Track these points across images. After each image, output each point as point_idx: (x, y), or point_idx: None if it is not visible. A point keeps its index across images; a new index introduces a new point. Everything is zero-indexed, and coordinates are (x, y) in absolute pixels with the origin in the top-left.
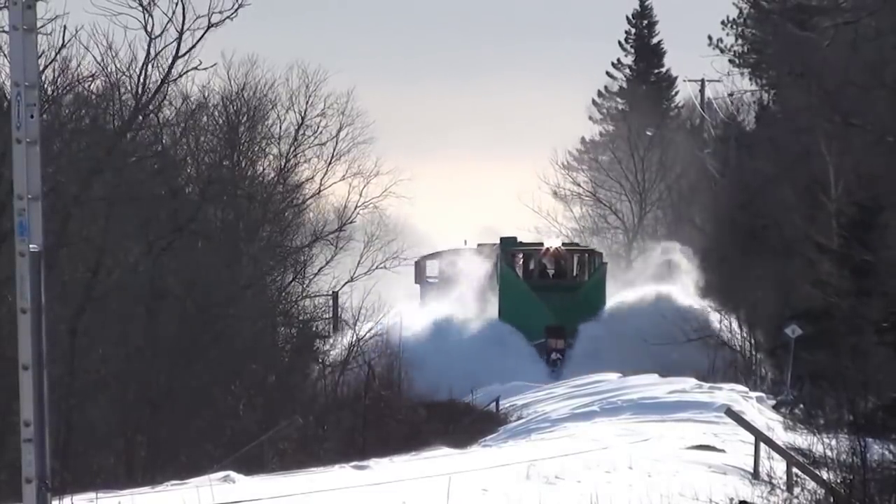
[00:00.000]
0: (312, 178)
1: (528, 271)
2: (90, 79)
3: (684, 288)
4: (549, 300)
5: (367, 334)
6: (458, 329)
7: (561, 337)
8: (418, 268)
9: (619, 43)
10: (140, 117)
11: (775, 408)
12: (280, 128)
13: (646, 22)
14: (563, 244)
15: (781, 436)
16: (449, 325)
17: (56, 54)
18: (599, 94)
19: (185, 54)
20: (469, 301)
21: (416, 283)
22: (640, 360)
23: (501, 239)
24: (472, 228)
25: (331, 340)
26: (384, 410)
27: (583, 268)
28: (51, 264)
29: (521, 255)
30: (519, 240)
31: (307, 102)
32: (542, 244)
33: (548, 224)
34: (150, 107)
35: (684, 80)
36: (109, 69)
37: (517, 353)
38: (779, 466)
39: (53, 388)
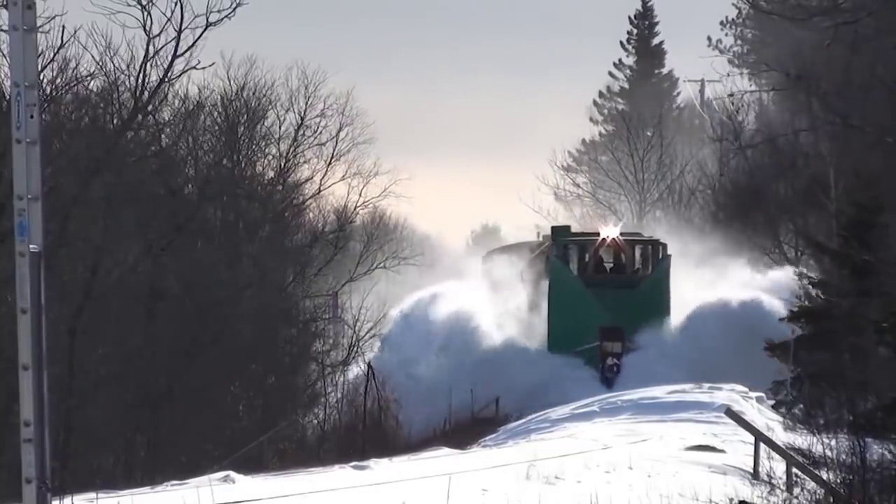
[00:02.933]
0: (312, 178)
1: (583, 265)
2: (89, 78)
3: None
4: (604, 298)
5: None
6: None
7: (618, 340)
8: (485, 263)
9: (621, 43)
10: (139, 117)
11: (775, 408)
12: (280, 128)
13: (647, 22)
14: (622, 234)
15: (781, 436)
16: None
17: (55, 54)
18: (601, 94)
19: (183, 53)
20: (528, 301)
21: (482, 279)
22: (714, 372)
23: (553, 228)
24: (472, 228)
25: (330, 340)
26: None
27: (646, 261)
28: (51, 264)
29: (574, 247)
30: (573, 229)
31: (307, 103)
32: (597, 234)
33: (548, 224)
34: (150, 106)
35: (684, 81)
36: (108, 69)
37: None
38: (779, 466)
39: (53, 388)
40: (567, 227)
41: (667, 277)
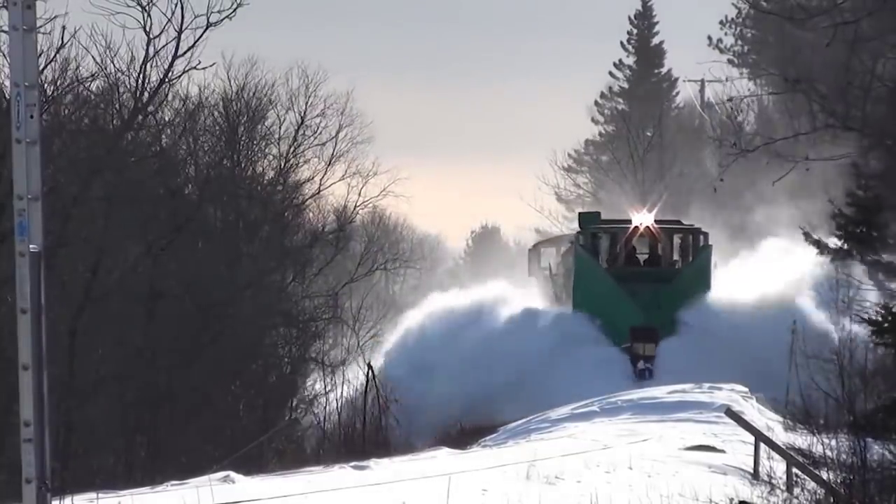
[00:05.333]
0: (312, 178)
1: (613, 256)
2: (90, 79)
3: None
4: (637, 293)
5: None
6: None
7: (651, 341)
8: (532, 257)
9: (621, 43)
10: (140, 117)
11: (777, 410)
12: (280, 128)
13: (647, 22)
14: (658, 221)
15: (781, 436)
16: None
17: (56, 54)
18: (602, 94)
19: (184, 54)
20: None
21: (529, 275)
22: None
23: (580, 215)
24: (471, 228)
25: (330, 340)
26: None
27: (685, 252)
28: (51, 264)
29: (604, 236)
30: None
31: (307, 103)
32: (629, 221)
33: (549, 224)
34: (150, 107)
35: (684, 81)
36: (109, 69)
37: (592, 357)
38: (779, 466)
39: (53, 388)
40: (596, 214)
41: (707, 270)
